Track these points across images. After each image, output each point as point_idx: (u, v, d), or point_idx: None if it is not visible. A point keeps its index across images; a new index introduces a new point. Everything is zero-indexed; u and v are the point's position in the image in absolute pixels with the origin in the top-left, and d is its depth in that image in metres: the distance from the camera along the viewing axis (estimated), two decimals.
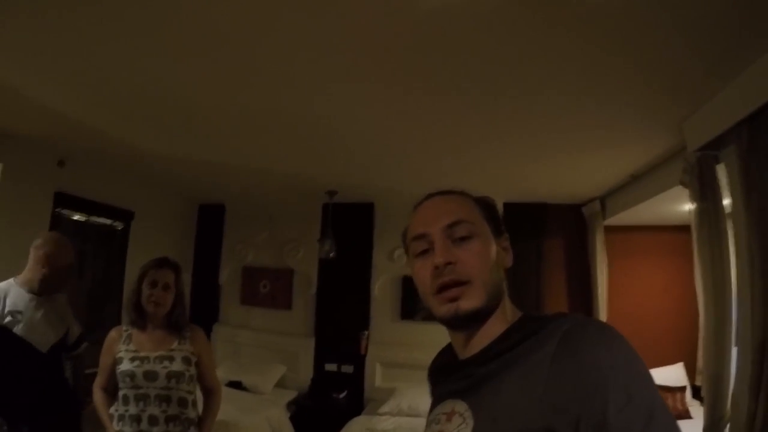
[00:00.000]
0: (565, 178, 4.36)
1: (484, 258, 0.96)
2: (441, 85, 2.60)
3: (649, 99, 2.63)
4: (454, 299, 0.92)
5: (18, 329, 2.54)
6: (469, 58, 2.29)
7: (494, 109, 2.86)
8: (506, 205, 5.27)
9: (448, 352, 1.10)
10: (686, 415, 4.14)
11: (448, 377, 1.04)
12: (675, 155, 3.33)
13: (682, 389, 4.34)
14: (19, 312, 2.57)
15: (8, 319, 2.52)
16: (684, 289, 4.13)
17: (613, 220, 4.80)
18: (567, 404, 0.75)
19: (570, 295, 5.27)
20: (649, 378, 0.77)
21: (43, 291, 2.69)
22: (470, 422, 0.89)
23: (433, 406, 1.07)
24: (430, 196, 1.07)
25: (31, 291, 2.66)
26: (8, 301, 2.57)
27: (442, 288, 0.93)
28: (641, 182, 4.00)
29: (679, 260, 4.67)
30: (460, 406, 0.94)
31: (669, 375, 4.49)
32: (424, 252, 0.98)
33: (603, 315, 4.79)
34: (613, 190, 4.62)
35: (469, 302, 0.91)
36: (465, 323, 0.95)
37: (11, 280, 2.68)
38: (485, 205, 1.06)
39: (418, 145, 3.60)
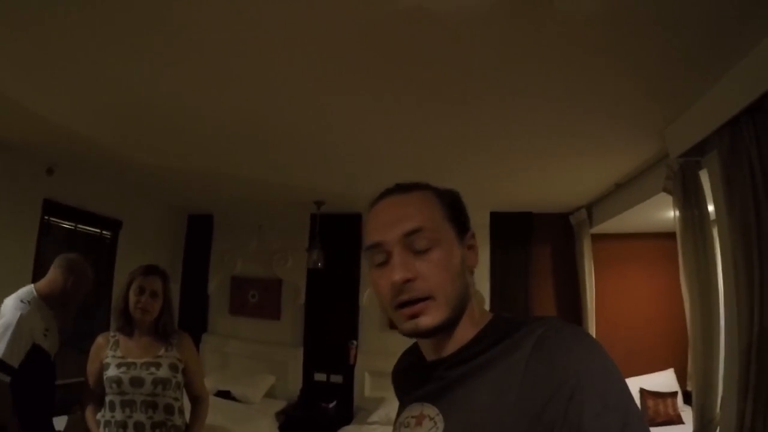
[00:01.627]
0: (551, 187, 4.39)
1: (447, 269, 0.89)
2: (427, 96, 2.63)
3: (632, 105, 2.65)
4: (414, 316, 0.87)
5: (46, 345, 2.68)
6: (452, 68, 2.31)
7: (478, 118, 2.89)
8: (493, 215, 5.32)
9: (413, 353, 1.06)
10: (678, 420, 4.16)
11: (416, 379, 1.00)
12: (658, 162, 3.36)
13: (674, 395, 4.36)
14: (48, 329, 2.71)
15: (41, 337, 2.66)
16: (672, 295, 4.15)
17: (600, 228, 4.83)
18: (541, 410, 0.73)
19: (558, 303, 5.29)
20: (625, 385, 0.75)
21: (57, 308, 2.83)
22: (441, 426, 0.87)
23: (401, 409, 1.03)
24: (386, 193, 0.99)
25: (50, 306, 2.77)
26: (43, 318, 2.69)
27: (403, 304, 0.88)
28: (626, 190, 4.04)
29: (666, 266, 4.68)
30: (430, 410, 0.91)
31: (660, 381, 4.52)
32: (383, 263, 0.91)
33: (591, 323, 4.81)
34: (599, 199, 4.66)
35: (430, 319, 0.86)
36: (427, 337, 0.91)
37: (32, 290, 2.74)
38: (449, 201, 0.97)
39: (404, 155, 3.62)
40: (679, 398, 4.39)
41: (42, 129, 3.53)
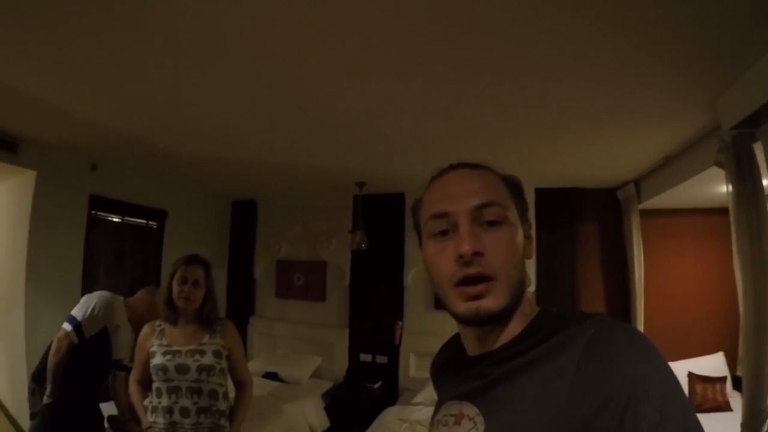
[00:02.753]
0: (597, 161, 4.22)
1: (512, 250, 0.85)
2: (469, 74, 2.57)
3: (681, 73, 2.48)
4: (476, 297, 0.82)
5: (113, 337, 3.13)
6: (495, 46, 2.25)
7: (523, 93, 2.80)
8: (538, 192, 5.17)
9: (454, 345, 1.01)
10: (726, 407, 3.98)
11: (457, 375, 0.95)
12: (710, 134, 3.20)
13: (723, 380, 4.15)
14: (119, 327, 3.16)
15: (114, 329, 3.13)
16: (724, 275, 3.95)
17: (648, 204, 4.64)
18: (592, 417, 0.68)
19: (605, 283, 5.11)
20: (683, 392, 0.69)
21: (132, 324, 3.25)
22: (481, 427, 0.82)
23: (439, 405, 0.98)
24: (453, 167, 0.94)
25: (129, 317, 3.25)
26: (119, 316, 3.17)
27: (465, 281, 0.82)
28: (676, 164, 3.86)
29: (718, 244, 4.50)
30: (470, 410, 0.86)
31: (709, 365, 4.32)
32: (443, 233, 0.87)
33: (640, 304, 4.65)
34: (648, 173, 4.46)
35: (493, 302, 0.81)
36: (484, 323, 0.85)
37: (122, 299, 3.26)
38: (513, 185, 0.94)
39: (447, 133, 3.54)
40: (728, 384, 4.18)
41: (85, 129, 3.67)
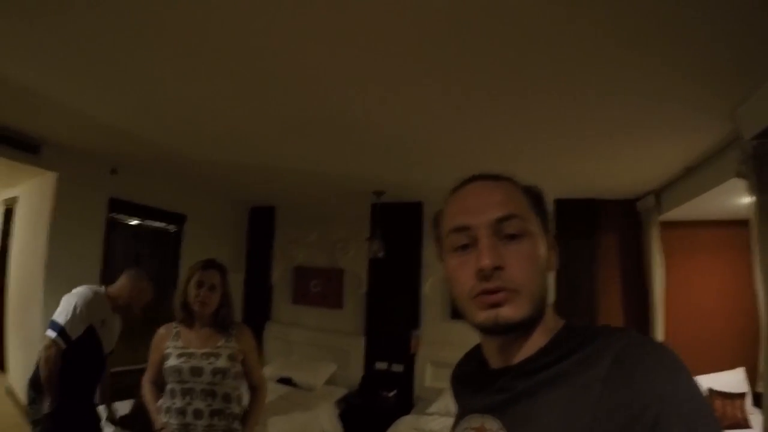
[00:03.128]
0: (617, 172, 4.18)
1: (534, 263, 0.84)
2: (491, 86, 2.58)
3: (700, 83, 2.45)
4: (495, 305, 0.81)
5: (100, 332, 3.09)
6: (518, 60, 2.26)
7: (543, 103, 2.78)
8: (557, 202, 5.13)
9: (475, 357, 0.99)
10: (745, 424, 3.85)
11: (479, 388, 0.93)
12: (731, 144, 3.14)
13: (742, 396, 4.03)
14: (104, 320, 3.13)
15: (99, 325, 3.08)
16: (746, 288, 3.88)
17: (668, 216, 4.56)
18: None
19: (625, 296, 5.02)
20: (712, 413, 0.67)
21: (119, 310, 3.28)
22: None
23: (459, 417, 0.96)
24: (473, 179, 0.93)
25: (113, 306, 3.21)
26: (102, 310, 3.11)
27: (484, 292, 0.82)
28: (697, 174, 3.79)
29: (740, 257, 4.36)
30: (492, 423, 0.84)
31: (728, 380, 4.19)
32: (464, 247, 0.86)
33: (660, 318, 4.57)
34: (668, 184, 4.39)
35: (512, 311, 0.80)
36: (504, 332, 0.83)
37: (102, 289, 3.20)
38: (534, 196, 0.92)
39: (467, 143, 3.55)
40: (748, 400, 4.04)
41: (106, 133, 3.74)
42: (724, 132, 3.05)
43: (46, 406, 2.88)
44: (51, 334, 2.90)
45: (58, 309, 2.99)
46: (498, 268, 0.80)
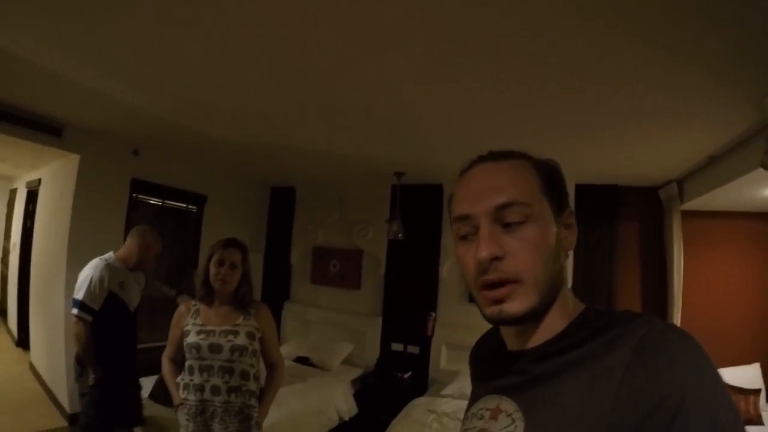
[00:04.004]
0: (640, 159, 4.11)
1: (539, 248, 0.81)
2: (515, 73, 2.57)
3: (726, 69, 2.36)
4: (499, 301, 0.80)
5: (122, 295, 3.28)
6: (543, 50, 2.26)
7: (566, 88, 2.75)
8: (578, 187, 5.05)
9: (494, 337, 0.98)
10: (758, 420, 3.80)
11: (496, 368, 0.92)
12: (757, 134, 3.07)
13: (757, 392, 3.96)
14: (123, 282, 3.30)
15: (119, 288, 3.25)
16: (766, 283, 3.82)
17: (691, 205, 4.48)
18: (639, 424, 0.65)
19: (643, 284, 4.98)
20: (732, 403, 0.66)
21: (135, 268, 3.42)
22: (520, 425, 0.79)
23: (474, 398, 0.96)
24: (480, 159, 0.91)
25: (127, 267, 3.37)
26: (117, 274, 3.27)
27: (487, 286, 0.81)
28: (721, 164, 3.71)
29: (761, 250, 4.35)
30: (508, 405, 0.83)
31: (743, 376, 4.12)
32: (469, 237, 0.85)
33: (677, 308, 4.51)
34: (691, 172, 4.31)
35: (517, 305, 0.79)
36: (511, 325, 0.84)
37: (111, 254, 3.35)
38: (547, 172, 0.89)
39: (489, 127, 3.52)
40: (763, 396, 3.99)
41: (128, 115, 3.80)
42: (750, 121, 2.99)
43: (90, 378, 3.07)
44: (75, 311, 3.07)
45: (76, 286, 3.16)
46: (497, 259, 0.79)
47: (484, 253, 0.79)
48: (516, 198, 0.82)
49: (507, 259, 0.79)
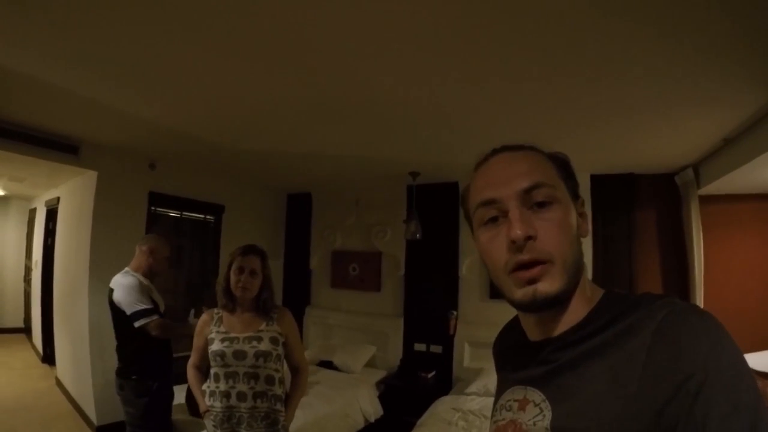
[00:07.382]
0: (654, 145, 4.06)
1: (567, 230, 0.82)
2: (522, 60, 2.54)
3: (739, 52, 2.34)
4: (532, 281, 0.79)
5: (156, 300, 3.33)
6: (562, 44, 2.26)
7: (579, 76, 2.72)
8: (594, 178, 5.04)
9: (516, 329, 0.98)
10: None
11: (521, 360, 0.92)
12: None
13: None
14: (150, 289, 3.35)
15: (150, 293, 3.31)
16: None
17: (708, 189, 4.41)
18: (663, 405, 0.66)
19: (664, 271, 4.91)
20: (754, 381, 0.66)
21: (150, 277, 3.41)
22: (548, 414, 0.80)
23: (501, 390, 0.97)
24: (495, 151, 0.92)
25: (143, 275, 3.35)
26: (143, 283, 3.29)
27: (520, 266, 0.80)
28: (736, 146, 3.66)
29: None
30: (535, 395, 0.84)
31: (765, 360, 4.06)
32: (493, 220, 0.85)
33: (699, 295, 4.45)
34: (707, 157, 4.25)
35: (550, 285, 0.79)
36: (543, 308, 0.82)
37: (127, 269, 3.35)
38: (560, 163, 0.91)
39: (503, 120, 3.50)
40: None
41: (143, 129, 3.86)
42: (762, 101, 2.95)
43: (155, 385, 3.17)
44: (145, 320, 3.14)
45: (129, 300, 3.15)
46: (530, 238, 0.79)
47: (519, 231, 0.79)
48: (542, 180, 0.83)
49: (539, 239, 0.79)
